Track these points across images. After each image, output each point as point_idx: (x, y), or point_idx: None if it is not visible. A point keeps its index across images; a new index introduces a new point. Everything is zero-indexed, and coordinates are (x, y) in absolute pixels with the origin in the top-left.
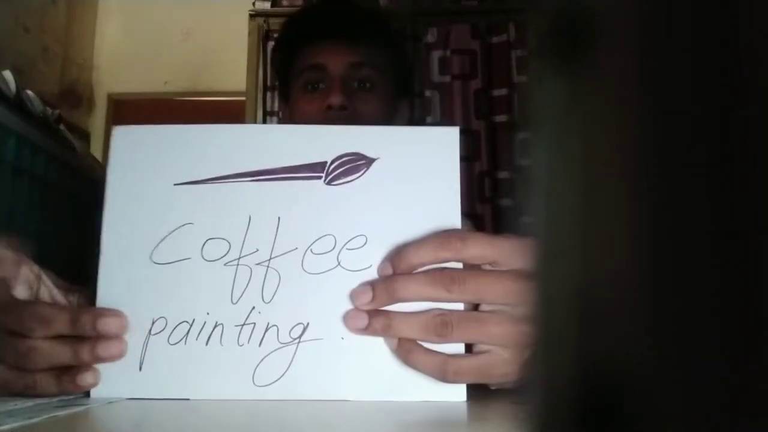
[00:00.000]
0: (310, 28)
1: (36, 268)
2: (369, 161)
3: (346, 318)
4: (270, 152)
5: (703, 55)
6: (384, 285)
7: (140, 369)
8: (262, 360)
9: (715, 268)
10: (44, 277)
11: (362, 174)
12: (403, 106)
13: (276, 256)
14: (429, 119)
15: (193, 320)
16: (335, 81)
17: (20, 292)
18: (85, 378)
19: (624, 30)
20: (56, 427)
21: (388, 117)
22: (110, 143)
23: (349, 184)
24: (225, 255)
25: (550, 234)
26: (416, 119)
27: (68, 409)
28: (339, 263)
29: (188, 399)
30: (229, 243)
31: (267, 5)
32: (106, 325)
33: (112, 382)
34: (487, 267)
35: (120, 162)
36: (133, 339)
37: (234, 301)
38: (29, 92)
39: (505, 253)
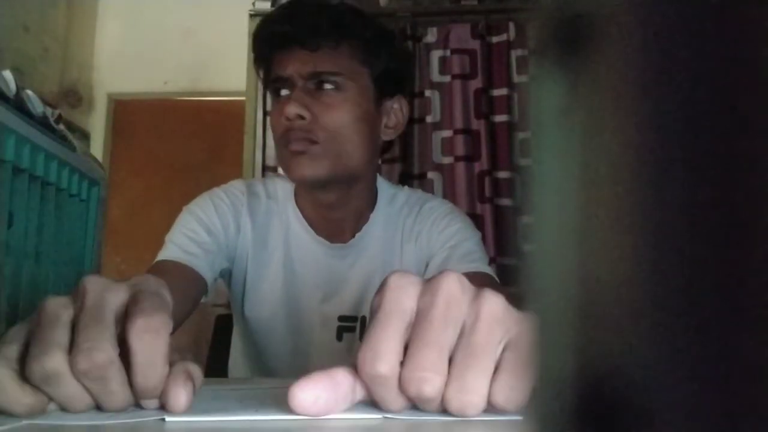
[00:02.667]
0: (270, 39)
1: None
2: None
3: None
4: None
5: (704, 55)
6: None
7: None
8: None
9: (716, 268)
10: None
11: None
12: (394, 104)
13: None
14: (429, 118)
15: None
16: (293, 90)
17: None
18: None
19: (624, 30)
20: None
21: (365, 118)
22: None
23: None
24: None
25: (549, 234)
26: (415, 119)
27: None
28: None
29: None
30: None
31: (267, 5)
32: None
33: None
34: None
35: None
36: None
37: None
38: (29, 92)
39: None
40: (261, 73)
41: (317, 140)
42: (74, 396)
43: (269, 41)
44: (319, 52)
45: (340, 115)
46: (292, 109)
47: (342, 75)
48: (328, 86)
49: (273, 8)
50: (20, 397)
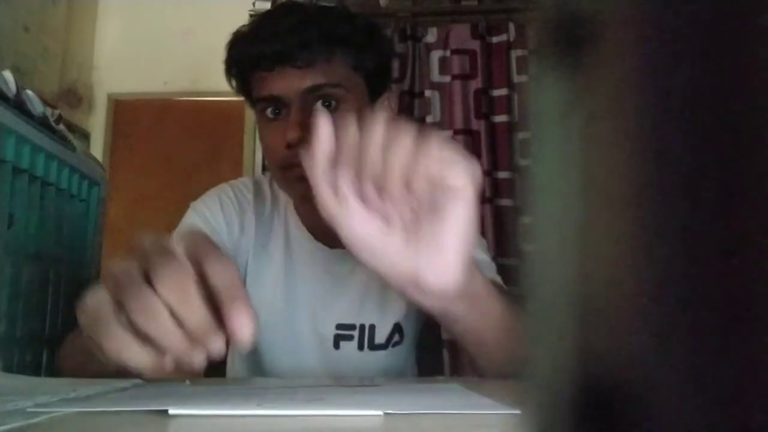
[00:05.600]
0: (254, 59)
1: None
2: None
3: None
4: None
5: (704, 55)
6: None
7: None
8: None
9: (716, 266)
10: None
11: None
12: (384, 101)
13: None
14: (429, 118)
15: None
16: (292, 111)
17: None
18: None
19: (623, 30)
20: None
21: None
22: None
23: None
24: None
25: (549, 234)
26: (416, 119)
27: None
28: None
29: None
30: None
31: (267, 5)
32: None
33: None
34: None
35: None
36: None
37: None
38: (29, 92)
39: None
40: (236, 87)
41: None
42: (170, 330)
43: (252, 62)
44: (311, 66)
45: None
46: (295, 134)
47: (340, 86)
48: (326, 103)
49: (249, 23)
50: (147, 359)
